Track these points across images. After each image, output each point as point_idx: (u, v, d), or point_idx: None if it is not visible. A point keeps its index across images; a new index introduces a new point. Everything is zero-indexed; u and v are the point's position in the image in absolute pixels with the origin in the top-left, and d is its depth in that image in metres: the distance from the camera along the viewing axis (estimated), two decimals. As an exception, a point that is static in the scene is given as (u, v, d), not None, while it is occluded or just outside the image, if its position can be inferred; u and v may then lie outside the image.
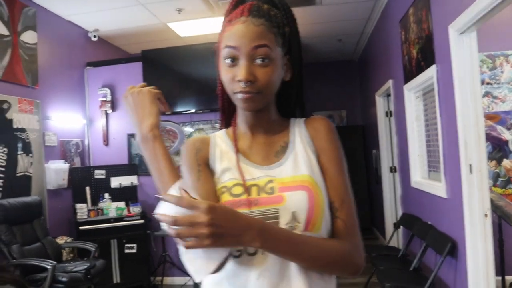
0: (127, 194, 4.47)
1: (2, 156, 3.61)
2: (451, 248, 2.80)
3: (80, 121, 4.73)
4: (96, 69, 4.90)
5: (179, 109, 4.50)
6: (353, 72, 7.40)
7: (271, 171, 1.03)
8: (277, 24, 0.98)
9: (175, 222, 0.76)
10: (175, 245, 4.17)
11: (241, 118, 1.09)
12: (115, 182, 4.44)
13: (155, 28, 5.17)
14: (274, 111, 1.09)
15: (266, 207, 0.97)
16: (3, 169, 3.60)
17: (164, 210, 0.79)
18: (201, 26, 5.12)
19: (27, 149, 3.90)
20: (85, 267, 3.41)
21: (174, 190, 0.84)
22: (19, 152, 3.81)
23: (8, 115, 3.72)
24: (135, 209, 4.33)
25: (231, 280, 0.99)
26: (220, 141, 1.11)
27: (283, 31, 1.00)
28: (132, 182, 4.48)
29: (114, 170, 4.50)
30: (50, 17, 4.44)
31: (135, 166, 4.62)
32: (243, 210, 0.96)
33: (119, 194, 4.44)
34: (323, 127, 1.07)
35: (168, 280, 4.56)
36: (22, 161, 3.83)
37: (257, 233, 0.85)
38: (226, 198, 1.00)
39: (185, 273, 4.42)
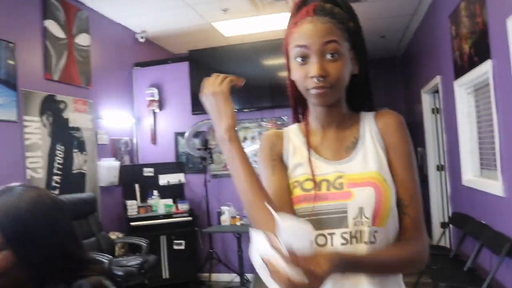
0: (175, 192, 4.57)
1: (60, 154, 3.77)
2: (510, 248, 2.72)
3: (129, 120, 4.87)
4: (144, 69, 5.04)
5: (224, 108, 4.55)
6: (396, 68, 7.27)
7: (341, 166, 1.06)
8: (341, 20, 1.02)
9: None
10: (222, 243, 4.23)
11: (313, 115, 1.12)
12: (163, 179, 4.56)
13: (200, 28, 5.26)
14: (345, 106, 1.11)
15: (335, 202, 1.01)
16: (60, 166, 3.77)
17: (262, 248, 0.80)
18: (245, 26, 5.17)
19: (81, 147, 4.06)
20: (139, 262, 3.52)
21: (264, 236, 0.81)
22: (75, 150, 3.97)
23: (65, 115, 3.89)
24: (183, 206, 4.42)
25: None
26: (293, 136, 1.15)
27: (347, 27, 1.03)
28: (179, 180, 4.58)
29: (162, 168, 4.62)
30: (101, 19, 4.59)
31: (182, 164, 4.72)
32: (312, 205, 1.02)
33: (167, 192, 4.56)
34: (393, 122, 1.08)
35: (214, 276, 4.63)
36: (77, 159, 3.99)
37: (343, 268, 0.90)
38: (297, 192, 1.05)
39: (231, 270, 4.49)
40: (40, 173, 3.54)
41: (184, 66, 4.75)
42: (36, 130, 3.55)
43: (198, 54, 4.76)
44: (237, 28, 5.26)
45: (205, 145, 4.42)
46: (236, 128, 1.08)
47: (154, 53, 5.70)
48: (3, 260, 1.03)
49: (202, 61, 4.69)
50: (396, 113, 1.10)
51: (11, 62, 3.34)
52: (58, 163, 3.75)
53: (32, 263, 1.07)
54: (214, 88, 1.10)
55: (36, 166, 3.52)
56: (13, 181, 3.21)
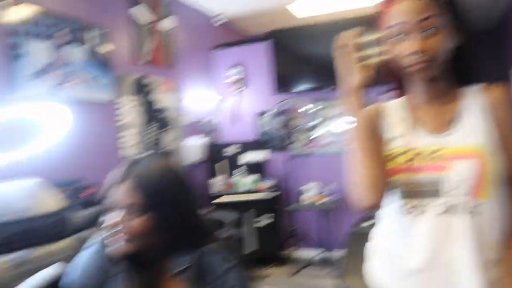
0: (256, 170, 4.66)
1: (149, 133, 3.98)
2: None
3: (211, 100, 5.00)
4: (224, 50, 5.13)
5: (303, 88, 4.53)
6: (485, 43, 6.80)
7: (440, 139, 1.07)
8: None
9: None
10: (303, 220, 4.28)
11: (414, 90, 1.14)
12: (245, 158, 4.66)
13: (275, 8, 5.22)
14: (447, 80, 1.11)
15: (432, 174, 1.05)
16: (150, 145, 3.97)
17: None
18: (320, 5, 5.08)
19: (168, 127, 4.25)
20: (226, 236, 3.64)
21: None
22: (162, 129, 4.16)
23: (152, 96, 4.08)
24: (266, 184, 4.50)
25: (399, 233, 1.11)
26: (392, 110, 1.19)
27: (444, 1, 1.04)
28: (261, 158, 4.66)
29: (244, 146, 4.72)
30: (181, 3, 4.72)
31: (264, 143, 4.78)
32: (408, 176, 1.07)
33: (249, 170, 4.65)
34: (505, 96, 1.07)
35: (296, 253, 4.69)
36: (165, 138, 4.18)
37: None
38: (393, 164, 1.10)
39: (313, 247, 4.54)
40: (132, 152, 3.76)
41: (266, 46, 4.76)
42: (128, 111, 3.76)
43: (280, 34, 4.73)
44: (313, 7, 5.17)
45: (287, 125, 4.44)
46: (351, 93, 1.13)
47: (230, 35, 5.78)
48: (145, 222, 1.11)
49: (284, 41, 4.67)
50: (506, 88, 1.09)
51: (106, 47, 3.55)
52: (148, 142, 3.95)
53: (168, 228, 1.15)
54: (338, 55, 1.16)
55: (128, 145, 3.73)
56: (109, 159, 3.44)
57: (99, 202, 2.67)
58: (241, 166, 4.68)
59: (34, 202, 1.97)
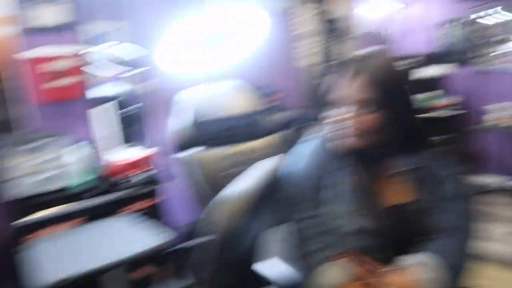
0: (435, 85, 4.29)
1: (323, 43, 3.94)
2: None
3: (387, 10, 4.65)
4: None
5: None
6: None
7: None
8: None
9: None
10: (485, 143, 3.84)
11: None
12: (424, 71, 4.32)
13: None
14: None
15: None
16: (323, 55, 3.94)
17: None
18: None
19: (342, 37, 4.14)
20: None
21: None
22: (335, 40, 4.08)
23: (327, 6, 3.98)
24: (444, 101, 4.16)
25: None
26: None
27: None
28: (441, 72, 4.27)
29: (423, 59, 4.35)
30: None
31: (445, 55, 4.35)
32: None
33: (425, 85, 4.30)
34: None
35: (471, 178, 4.36)
36: (337, 49, 4.10)
37: None
38: None
39: (490, 173, 4.18)
40: (307, 62, 3.78)
41: None
42: (304, 20, 3.74)
43: None
44: None
45: (472, 36, 3.93)
46: None
47: None
48: (377, 118, 1.10)
49: None
50: None
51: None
52: (324, 52, 3.93)
53: (397, 127, 1.13)
54: None
55: (304, 55, 3.76)
56: (285, 68, 3.46)
57: (284, 108, 2.79)
58: (416, 81, 4.37)
59: (237, 102, 2.11)
